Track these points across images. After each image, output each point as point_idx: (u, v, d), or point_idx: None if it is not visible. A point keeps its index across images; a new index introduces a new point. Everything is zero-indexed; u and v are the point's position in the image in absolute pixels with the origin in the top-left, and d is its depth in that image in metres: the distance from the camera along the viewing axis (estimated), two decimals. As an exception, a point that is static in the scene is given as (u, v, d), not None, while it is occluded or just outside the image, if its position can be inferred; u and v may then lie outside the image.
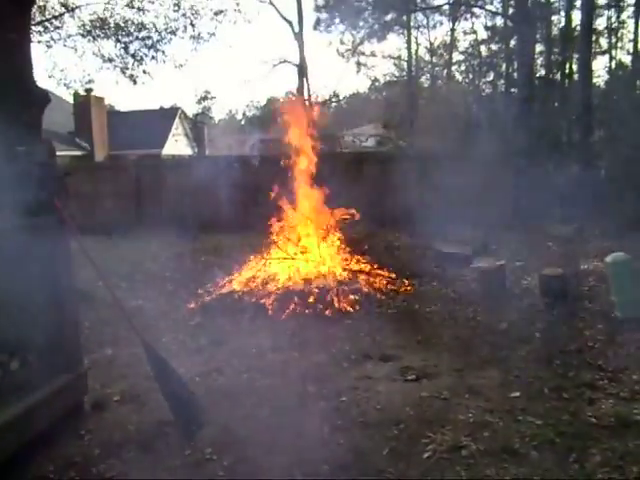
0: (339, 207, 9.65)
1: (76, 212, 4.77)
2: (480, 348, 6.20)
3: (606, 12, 28.71)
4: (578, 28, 24.79)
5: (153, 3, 18.70)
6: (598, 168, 18.84)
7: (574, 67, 27.26)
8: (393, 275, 9.21)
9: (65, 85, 22.19)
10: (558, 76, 28.24)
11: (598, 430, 4.22)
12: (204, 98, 39.34)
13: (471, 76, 33.90)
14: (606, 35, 29.98)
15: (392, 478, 3.71)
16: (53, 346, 4.37)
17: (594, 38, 25.10)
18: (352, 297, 8.07)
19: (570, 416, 4.46)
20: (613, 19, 29.45)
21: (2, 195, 4.56)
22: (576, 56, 25.85)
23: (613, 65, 29.89)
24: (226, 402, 4.98)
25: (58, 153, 5.53)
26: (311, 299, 7.93)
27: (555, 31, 28.75)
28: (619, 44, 30.91)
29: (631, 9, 27.31)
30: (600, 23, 28.97)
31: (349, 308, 7.84)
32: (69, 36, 18.60)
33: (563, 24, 27.39)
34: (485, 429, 4.28)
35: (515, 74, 27.56)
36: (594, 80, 24.47)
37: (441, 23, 48.58)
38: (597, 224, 13.33)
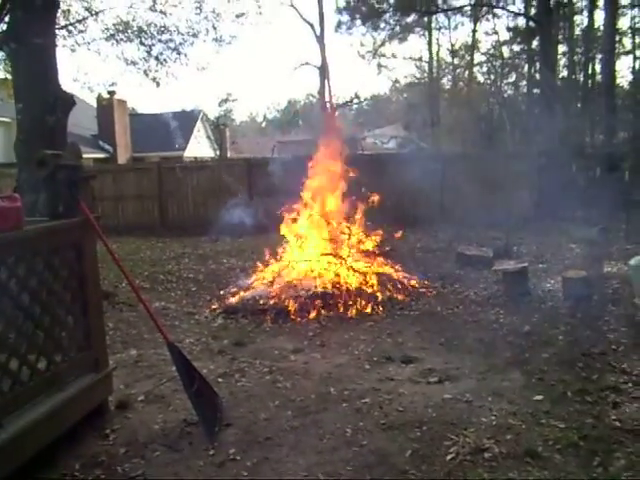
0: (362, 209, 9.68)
1: (101, 214, 4.85)
2: (503, 351, 6.17)
3: (629, 12, 28.41)
4: (601, 28, 24.61)
5: (176, 6, 18.80)
6: (622, 169, 18.64)
7: (597, 68, 27.04)
8: (415, 277, 9.21)
9: (89, 88, 22.36)
10: (581, 77, 28.01)
11: (622, 434, 4.18)
12: (225, 100, 39.59)
13: (493, 77, 33.69)
14: (630, 35, 29.66)
15: (415, 479, 3.72)
16: (79, 346, 4.43)
17: (617, 38, 24.85)
18: (374, 299, 8.08)
19: (594, 419, 4.42)
20: (637, 19, 29.15)
21: (30, 197, 4.63)
22: (599, 56, 25.65)
23: (637, 65, 29.56)
24: (249, 403, 5.00)
25: (82, 156, 5.60)
26: (332, 301, 7.95)
27: (578, 31, 28.53)
28: (643, 44, 30.58)
29: (655, 9, 27.05)
30: (623, 23, 28.68)
31: (371, 310, 7.86)
32: (93, 40, 18.78)
33: (586, 24, 27.20)
34: (508, 432, 4.27)
35: (537, 75, 27.34)
36: (618, 81, 24.23)
37: (462, 24, 48.38)
38: (621, 226, 13.21)
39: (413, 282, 8.97)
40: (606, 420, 4.41)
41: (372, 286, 8.39)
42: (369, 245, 9.53)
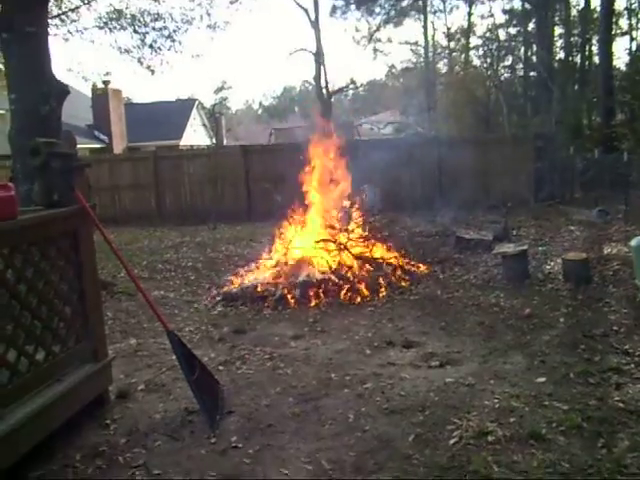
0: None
1: (98, 204, 4.79)
2: (504, 333, 6.15)
3: (626, -7, 28.28)
4: (598, 9, 24.49)
5: (169, -7, 18.71)
6: (620, 151, 18.60)
7: (594, 49, 26.92)
8: (414, 261, 9.17)
9: (83, 78, 22.30)
10: (578, 58, 27.88)
11: (626, 415, 4.16)
12: (221, 88, 39.50)
13: (489, 60, 33.45)
14: (626, 16, 29.49)
15: (418, 464, 3.69)
16: (77, 337, 4.40)
17: (614, 19, 24.68)
18: (373, 284, 8.05)
19: (597, 401, 4.40)
20: (633, 0, 28.98)
21: (25, 187, 4.57)
22: (596, 38, 25.53)
23: (634, 46, 29.41)
24: (250, 390, 4.98)
25: (77, 146, 5.54)
26: (332, 287, 7.92)
27: (574, 13, 28.36)
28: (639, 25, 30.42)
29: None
30: (620, 4, 28.53)
31: (371, 295, 7.82)
32: (86, 28, 18.64)
33: (582, 5, 27.05)
34: (511, 415, 4.25)
35: (534, 57, 27.24)
36: (614, 62, 24.09)
37: (458, 7, 47.96)
38: (619, 208, 13.18)
39: (412, 266, 8.93)
40: (609, 401, 4.40)
41: (371, 271, 8.36)
42: (368, 231, 9.50)
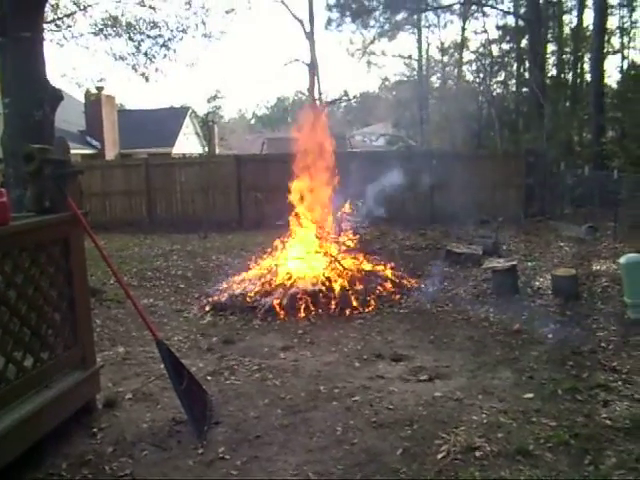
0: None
1: (89, 210, 4.79)
2: (493, 348, 6.17)
3: (618, 12, 28.57)
4: (590, 27, 24.74)
5: (165, 1, 18.79)
6: (610, 168, 18.73)
7: (586, 67, 27.16)
8: (405, 275, 9.19)
9: (77, 84, 22.25)
10: (570, 76, 28.11)
11: (613, 432, 4.18)
12: (214, 97, 39.46)
13: (482, 75, 33.60)
14: (618, 35, 29.77)
15: (406, 478, 3.69)
16: (66, 344, 4.37)
17: (606, 38, 24.92)
18: (363, 297, 8.05)
19: (585, 418, 4.42)
20: (625, 19, 29.29)
21: (17, 192, 4.55)
22: (588, 56, 25.77)
23: (625, 65, 29.67)
24: (238, 401, 4.96)
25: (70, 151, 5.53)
26: (322, 298, 7.91)
27: (567, 30, 28.62)
28: (631, 44, 30.71)
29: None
30: (612, 23, 28.79)
31: (360, 308, 7.82)
32: (81, 34, 18.65)
33: (575, 24, 27.32)
34: (499, 430, 4.25)
35: (526, 74, 27.43)
36: (606, 80, 24.32)
37: (452, 22, 47.95)
38: (609, 224, 13.25)
39: (402, 279, 8.94)
40: (597, 418, 4.41)
41: (361, 284, 8.36)
42: (359, 243, 9.51)
